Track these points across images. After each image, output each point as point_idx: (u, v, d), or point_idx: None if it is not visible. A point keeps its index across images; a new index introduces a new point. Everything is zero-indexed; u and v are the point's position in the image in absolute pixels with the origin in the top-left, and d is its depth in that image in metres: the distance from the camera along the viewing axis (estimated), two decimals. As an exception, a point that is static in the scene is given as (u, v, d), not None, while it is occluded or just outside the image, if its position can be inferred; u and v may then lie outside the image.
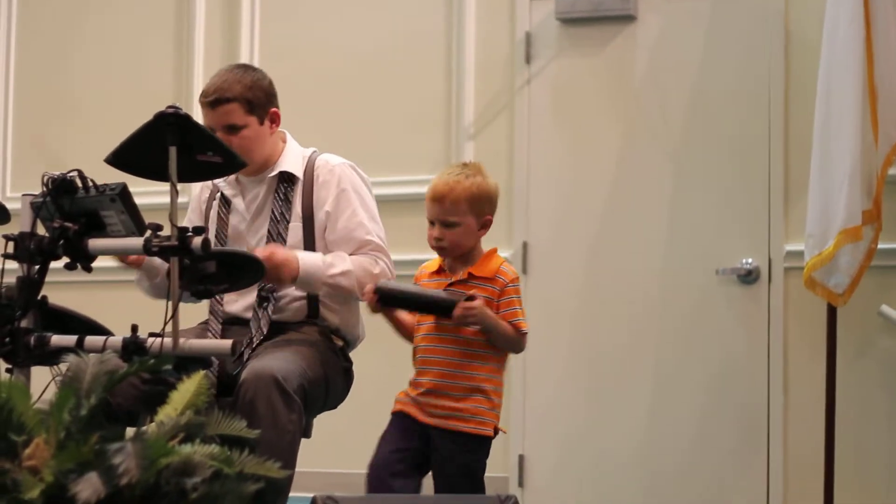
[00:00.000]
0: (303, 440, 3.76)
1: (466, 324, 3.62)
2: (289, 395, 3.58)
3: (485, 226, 3.75)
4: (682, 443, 5.45)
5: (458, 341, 3.67)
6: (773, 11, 5.46)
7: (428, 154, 5.85)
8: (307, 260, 3.82)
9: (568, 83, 5.74)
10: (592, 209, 5.66)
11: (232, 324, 3.93)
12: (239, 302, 3.94)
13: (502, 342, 3.70)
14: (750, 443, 5.37)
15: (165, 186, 3.10)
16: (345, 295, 3.91)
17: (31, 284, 3.18)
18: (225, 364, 3.75)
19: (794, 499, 5.31)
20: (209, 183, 4.08)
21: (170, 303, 3.11)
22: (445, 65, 5.93)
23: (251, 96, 3.91)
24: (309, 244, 3.93)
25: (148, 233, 3.15)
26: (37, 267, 3.19)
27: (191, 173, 3.25)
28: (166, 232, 3.12)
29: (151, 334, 3.14)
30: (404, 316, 3.80)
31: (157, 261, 3.89)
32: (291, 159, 3.99)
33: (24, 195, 3.31)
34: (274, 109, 3.98)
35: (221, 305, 3.95)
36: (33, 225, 3.25)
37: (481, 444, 3.69)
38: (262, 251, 3.69)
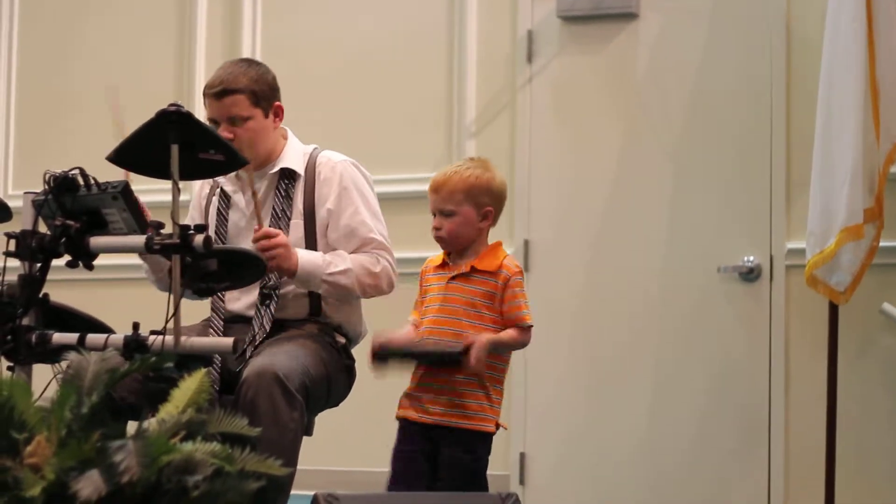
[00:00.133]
0: (304, 438, 3.77)
1: (481, 365, 3.62)
2: (291, 392, 3.59)
3: (486, 217, 3.75)
4: (683, 440, 5.45)
5: (459, 335, 3.68)
6: (774, 9, 5.46)
7: (429, 152, 5.85)
8: (306, 257, 3.82)
9: (569, 81, 5.74)
10: (594, 207, 5.66)
11: (234, 321, 3.94)
12: (242, 300, 3.94)
13: (510, 349, 3.74)
14: (751, 441, 5.37)
15: (167, 184, 3.11)
16: (345, 294, 3.92)
17: (33, 282, 3.18)
18: (227, 361, 3.76)
19: (795, 496, 5.31)
20: (210, 179, 4.08)
21: (171, 300, 3.11)
22: (447, 63, 5.93)
23: (257, 88, 3.92)
24: (310, 241, 3.94)
25: (150, 231, 3.15)
26: (38, 265, 3.19)
27: (193, 171, 3.25)
28: (168, 230, 3.12)
29: (153, 332, 3.14)
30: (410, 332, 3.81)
31: None
32: (293, 156, 4.00)
33: (25, 193, 3.32)
34: (278, 103, 4.00)
35: (224, 303, 3.95)
36: (35, 223, 3.25)
37: (483, 441, 3.70)
38: (273, 234, 3.70)
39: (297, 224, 3.95)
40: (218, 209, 4.03)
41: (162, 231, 3.13)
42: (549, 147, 5.74)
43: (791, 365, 5.35)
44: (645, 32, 5.65)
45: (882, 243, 4.92)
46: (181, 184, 3.12)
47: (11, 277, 3.20)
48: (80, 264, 3.23)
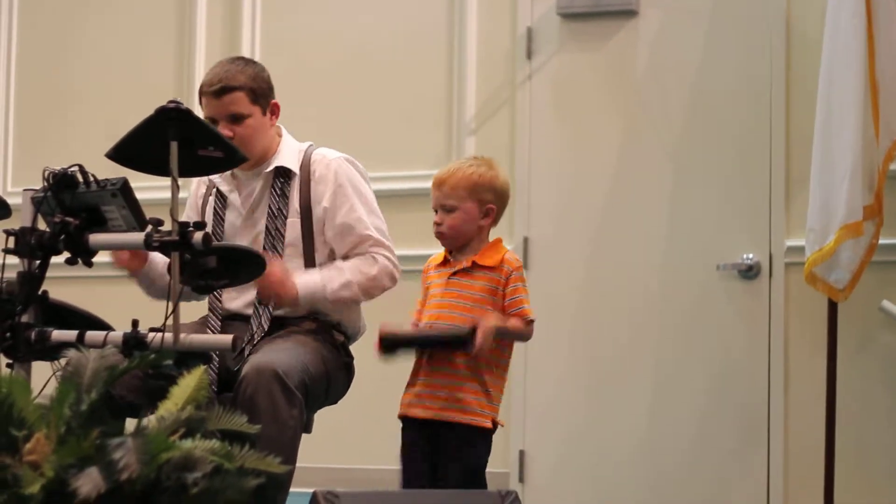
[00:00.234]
0: (304, 435, 3.77)
1: (486, 349, 3.62)
2: (290, 390, 3.58)
3: (488, 214, 3.75)
4: (682, 438, 5.45)
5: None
6: (774, 6, 5.45)
7: (429, 149, 5.85)
8: (304, 281, 3.83)
9: (569, 78, 5.74)
10: (593, 204, 5.66)
11: (232, 320, 3.93)
12: (239, 298, 3.94)
13: (515, 338, 3.73)
14: (750, 438, 5.37)
15: (166, 181, 3.10)
16: (351, 303, 3.93)
17: (32, 279, 3.18)
18: (225, 360, 3.76)
19: (794, 493, 5.31)
20: (205, 179, 4.08)
21: (170, 298, 3.11)
22: (446, 60, 5.92)
23: (255, 86, 3.93)
24: (307, 240, 3.94)
25: (149, 228, 3.15)
26: (37, 262, 3.19)
27: (192, 168, 3.24)
28: (167, 227, 3.12)
29: (152, 329, 3.14)
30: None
31: (156, 269, 3.89)
32: (287, 154, 3.99)
33: (24, 190, 3.31)
34: (274, 101, 4.00)
35: (221, 302, 3.95)
36: (34, 220, 3.25)
37: (481, 438, 3.70)
38: (272, 265, 3.71)
39: (293, 223, 3.94)
40: (214, 209, 4.03)
41: (161, 228, 3.13)
42: (549, 144, 5.74)
43: (790, 362, 5.35)
44: (645, 29, 5.65)
45: (881, 241, 4.93)
46: (180, 180, 3.12)
47: (11, 274, 3.20)
48: (80, 261, 3.23)
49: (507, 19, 5.84)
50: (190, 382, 2.75)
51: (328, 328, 3.93)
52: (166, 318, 3.10)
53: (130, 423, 2.69)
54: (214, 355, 3.73)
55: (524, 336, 3.75)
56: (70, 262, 3.22)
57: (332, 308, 3.93)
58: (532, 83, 5.78)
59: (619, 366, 5.56)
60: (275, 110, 4.00)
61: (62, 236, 3.18)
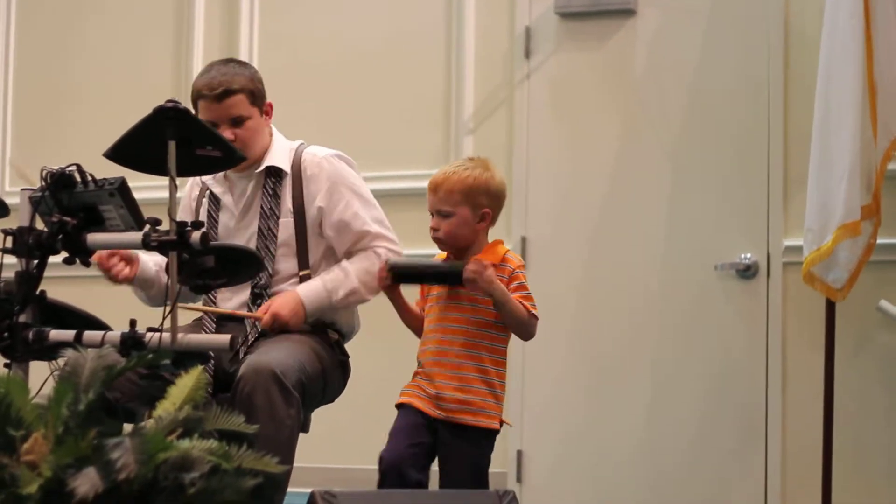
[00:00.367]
0: (301, 435, 3.77)
1: (477, 287, 3.61)
2: (287, 389, 3.59)
3: (483, 219, 3.74)
4: (680, 438, 5.45)
5: (464, 331, 3.69)
6: (772, 5, 5.45)
7: (426, 149, 5.85)
8: (310, 296, 3.85)
9: (567, 78, 5.74)
10: (591, 204, 5.66)
11: (226, 320, 3.93)
12: (234, 299, 3.94)
13: (513, 318, 3.67)
14: (748, 438, 5.37)
15: (164, 181, 3.10)
16: (360, 304, 3.97)
17: (30, 279, 3.18)
18: (221, 361, 3.76)
19: (792, 492, 5.31)
20: (198, 181, 4.09)
21: (168, 298, 3.11)
22: (444, 59, 5.92)
23: (254, 88, 3.94)
24: (301, 239, 3.93)
25: (147, 227, 3.15)
26: (35, 261, 3.18)
27: (190, 168, 3.24)
28: (165, 227, 3.12)
29: (150, 329, 3.14)
30: (412, 305, 3.81)
31: (149, 271, 3.90)
32: (278, 153, 4.00)
33: (22, 189, 3.31)
34: (269, 102, 4.01)
35: (216, 303, 3.95)
36: (32, 219, 3.24)
37: (487, 438, 3.71)
38: (266, 318, 3.77)
39: (286, 222, 3.94)
40: (208, 211, 4.03)
41: (159, 228, 3.13)
42: (547, 144, 5.74)
43: (788, 362, 5.35)
44: (643, 29, 5.65)
45: (879, 240, 4.93)
46: (177, 180, 3.12)
47: (8, 274, 3.20)
48: (77, 261, 3.23)
49: (506, 19, 5.84)
50: (187, 382, 2.75)
51: (323, 327, 3.94)
52: (164, 318, 3.10)
53: (127, 427, 2.68)
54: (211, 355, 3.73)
55: (525, 323, 3.69)
56: (68, 261, 3.22)
57: (342, 311, 3.96)
58: (530, 83, 5.78)
59: (618, 366, 5.56)
60: (268, 110, 4.01)
61: (60, 236, 3.18)
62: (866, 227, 4.85)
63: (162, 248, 3.09)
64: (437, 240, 3.77)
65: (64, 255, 3.21)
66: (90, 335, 3.17)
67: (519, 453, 5.65)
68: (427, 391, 3.69)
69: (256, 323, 3.86)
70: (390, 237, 3.98)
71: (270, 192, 3.96)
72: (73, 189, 3.21)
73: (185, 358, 3.07)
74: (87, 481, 2.40)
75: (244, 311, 3.87)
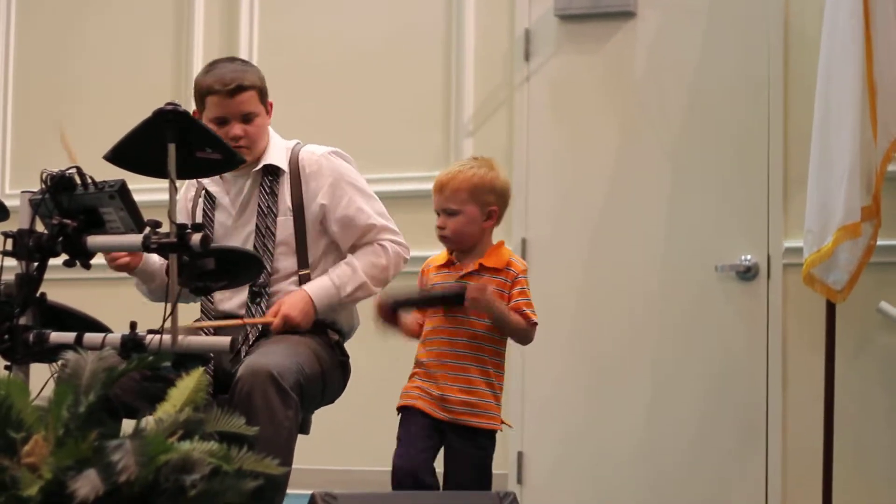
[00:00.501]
0: (302, 437, 3.77)
1: (479, 308, 3.63)
2: (285, 391, 3.59)
3: (490, 217, 3.76)
4: (680, 439, 5.45)
5: (468, 333, 3.70)
6: (772, 6, 5.46)
7: (426, 150, 5.85)
8: (320, 294, 3.87)
9: (567, 80, 5.74)
10: (591, 206, 5.66)
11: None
12: (233, 299, 3.94)
13: (512, 331, 3.72)
14: (749, 439, 5.37)
15: (164, 183, 3.10)
16: (369, 297, 3.98)
17: (30, 281, 3.17)
18: (221, 362, 3.76)
19: (792, 494, 5.31)
20: (194, 182, 4.10)
21: (168, 300, 3.10)
22: (444, 61, 5.93)
23: (262, 85, 3.98)
24: (300, 237, 3.94)
25: (147, 230, 3.15)
26: (35, 264, 3.18)
27: (189, 170, 3.24)
28: (165, 229, 3.12)
29: (150, 331, 3.14)
30: (408, 319, 3.81)
31: (154, 263, 3.91)
32: (275, 152, 4.01)
33: (22, 192, 3.31)
34: (270, 101, 4.02)
35: (213, 304, 3.95)
36: (32, 222, 3.24)
37: (490, 439, 3.73)
38: (277, 322, 3.79)
39: (284, 221, 3.95)
40: (204, 211, 4.04)
41: (159, 230, 3.13)
42: (547, 146, 5.74)
43: (789, 364, 5.35)
44: (643, 31, 5.65)
45: (879, 242, 4.93)
46: (177, 183, 3.12)
47: (9, 277, 3.19)
48: (78, 263, 3.22)
49: (505, 21, 5.84)
50: (188, 384, 2.75)
51: (323, 327, 3.94)
52: (164, 320, 3.10)
53: (128, 425, 2.68)
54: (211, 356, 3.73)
55: (523, 334, 3.74)
56: (68, 264, 3.22)
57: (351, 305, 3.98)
58: (530, 84, 5.78)
59: (618, 367, 5.56)
60: (270, 109, 4.02)
61: (60, 238, 3.18)
62: (866, 229, 4.85)
63: (162, 250, 3.09)
64: (443, 238, 3.77)
65: (64, 257, 3.21)
66: (90, 337, 3.17)
67: (519, 454, 5.65)
68: (431, 393, 3.70)
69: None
70: (394, 230, 4.01)
71: (268, 190, 3.96)
72: (73, 191, 3.21)
73: (186, 359, 3.07)
74: (87, 483, 2.40)
75: (253, 318, 3.86)
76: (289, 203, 3.95)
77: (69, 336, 3.17)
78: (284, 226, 3.94)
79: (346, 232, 3.96)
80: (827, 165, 4.84)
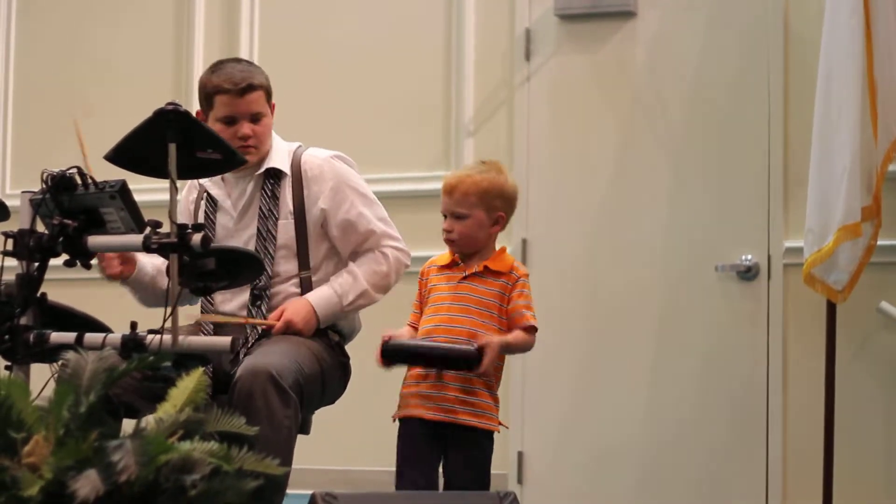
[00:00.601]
0: (303, 437, 3.77)
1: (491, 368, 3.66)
2: (284, 390, 3.59)
3: (497, 222, 3.76)
4: (681, 439, 5.45)
5: (466, 333, 3.69)
6: (772, 6, 5.45)
7: (426, 150, 5.85)
8: (321, 303, 3.87)
9: (567, 79, 5.74)
10: (592, 206, 5.66)
11: (225, 322, 3.93)
12: (234, 301, 3.94)
13: (518, 351, 3.79)
14: (749, 439, 5.37)
15: (165, 184, 3.10)
16: (371, 304, 3.98)
17: (31, 281, 3.18)
18: (221, 362, 3.76)
19: (792, 494, 5.31)
20: (196, 184, 4.09)
21: (168, 300, 3.11)
22: (444, 61, 5.92)
23: (269, 85, 3.99)
24: (301, 240, 3.94)
25: (147, 230, 3.15)
26: (36, 264, 3.18)
27: (190, 170, 3.25)
28: (166, 229, 3.12)
29: (150, 331, 3.14)
30: (407, 332, 3.81)
31: (146, 275, 3.90)
32: (278, 155, 4.00)
33: (23, 192, 3.31)
34: (273, 102, 4.03)
35: (214, 305, 3.95)
36: (33, 222, 3.24)
37: (489, 439, 3.73)
38: (279, 326, 3.79)
39: (285, 224, 3.95)
40: (205, 213, 4.04)
41: (159, 230, 3.13)
42: (547, 146, 5.74)
43: (789, 364, 5.35)
44: (643, 30, 5.65)
45: (880, 242, 4.93)
46: (178, 183, 3.12)
47: (9, 277, 3.20)
48: (78, 263, 3.23)
49: (505, 20, 5.84)
50: (188, 384, 2.75)
51: (324, 329, 3.94)
52: (165, 320, 3.10)
53: (129, 425, 2.68)
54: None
55: (527, 346, 3.77)
56: (68, 264, 3.22)
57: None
58: (530, 84, 5.78)
59: (618, 367, 5.56)
60: (273, 110, 4.03)
61: (61, 238, 3.18)
62: (867, 229, 4.85)
63: (162, 250, 3.09)
64: (449, 241, 3.78)
65: (64, 257, 3.21)
66: (91, 337, 3.17)
67: (519, 454, 5.65)
68: (430, 393, 3.69)
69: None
70: (395, 236, 4.00)
71: (269, 193, 3.96)
72: (73, 191, 3.21)
73: (186, 359, 3.07)
74: (87, 483, 2.40)
75: (256, 319, 3.87)
76: (290, 206, 3.95)
77: (70, 336, 3.18)
78: (285, 229, 3.94)
79: (347, 237, 3.96)
80: (827, 165, 4.84)
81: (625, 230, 5.60)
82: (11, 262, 3.19)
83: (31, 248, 3.17)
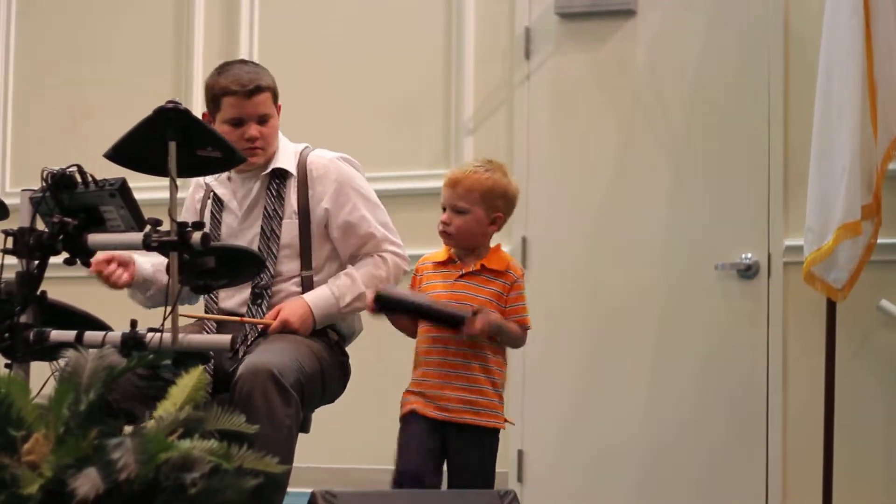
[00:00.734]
0: (303, 435, 3.77)
1: (483, 334, 3.64)
2: (285, 389, 3.59)
3: (494, 222, 3.76)
4: (680, 438, 5.45)
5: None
6: (773, 6, 5.45)
7: (426, 149, 5.85)
8: (319, 304, 3.87)
9: (567, 78, 5.74)
10: (592, 204, 5.66)
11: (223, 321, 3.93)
12: (234, 298, 3.95)
13: (509, 341, 3.75)
14: (749, 437, 5.37)
15: (165, 182, 3.10)
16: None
17: (31, 279, 3.18)
18: (221, 361, 3.76)
19: (792, 492, 5.31)
20: (202, 183, 4.10)
21: (169, 299, 3.11)
22: (444, 60, 5.92)
23: (275, 87, 4.00)
24: (304, 240, 3.94)
25: (147, 228, 3.15)
26: (36, 262, 3.19)
27: (190, 168, 3.24)
28: (166, 227, 3.12)
29: (151, 329, 3.14)
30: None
31: (147, 272, 3.90)
32: (284, 156, 4.01)
33: (23, 190, 3.31)
34: (279, 103, 4.03)
35: (216, 303, 3.96)
36: (33, 220, 3.24)
37: (493, 437, 3.73)
38: (275, 325, 3.79)
39: (289, 224, 3.95)
40: (211, 212, 4.04)
41: (159, 228, 3.13)
42: (547, 144, 5.74)
43: (789, 362, 5.35)
44: (643, 29, 5.65)
45: (880, 240, 4.93)
46: (178, 181, 3.12)
47: (9, 275, 3.20)
48: (78, 262, 3.23)
49: (505, 19, 5.84)
50: (188, 382, 2.75)
51: (323, 327, 3.94)
52: (165, 319, 3.10)
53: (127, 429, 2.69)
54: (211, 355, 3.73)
55: (519, 341, 3.77)
56: (68, 262, 3.22)
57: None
58: (530, 83, 5.78)
59: (618, 365, 5.56)
60: (279, 112, 4.03)
61: (61, 236, 3.18)
62: (867, 227, 4.85)
63: (162, 248, 3.09)
64: (445, 234, 3.76)
65: (64, 255, 3.21)
66: (91, 335, 3.18)
67: (520, 453, 5.65)
68: (432, 392, 3.69)
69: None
70: (395, 241, 3.99)
71: (274, 193, 3.97)
72: (73, 190, 3.22)
73: (186, 358, 3.07)
74: (87, 482, 2.40)
75: (254, 318, 3.87)
76: (295, 206, 3.96)
77: (69, 334, 3.18)
78: (289, 229, 3.95)
79: (347, 238, 3.96)
80: (827, 164, 4.84)
81: (625, 229, 5.60)
82: (11, 260, 3.19)
83: (31, 247, 3.17)
